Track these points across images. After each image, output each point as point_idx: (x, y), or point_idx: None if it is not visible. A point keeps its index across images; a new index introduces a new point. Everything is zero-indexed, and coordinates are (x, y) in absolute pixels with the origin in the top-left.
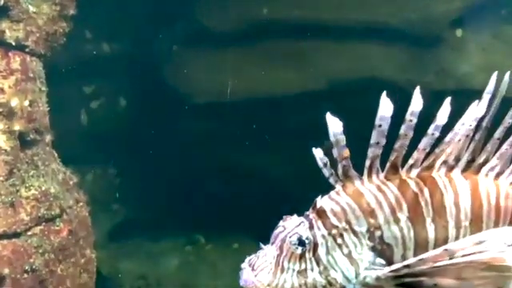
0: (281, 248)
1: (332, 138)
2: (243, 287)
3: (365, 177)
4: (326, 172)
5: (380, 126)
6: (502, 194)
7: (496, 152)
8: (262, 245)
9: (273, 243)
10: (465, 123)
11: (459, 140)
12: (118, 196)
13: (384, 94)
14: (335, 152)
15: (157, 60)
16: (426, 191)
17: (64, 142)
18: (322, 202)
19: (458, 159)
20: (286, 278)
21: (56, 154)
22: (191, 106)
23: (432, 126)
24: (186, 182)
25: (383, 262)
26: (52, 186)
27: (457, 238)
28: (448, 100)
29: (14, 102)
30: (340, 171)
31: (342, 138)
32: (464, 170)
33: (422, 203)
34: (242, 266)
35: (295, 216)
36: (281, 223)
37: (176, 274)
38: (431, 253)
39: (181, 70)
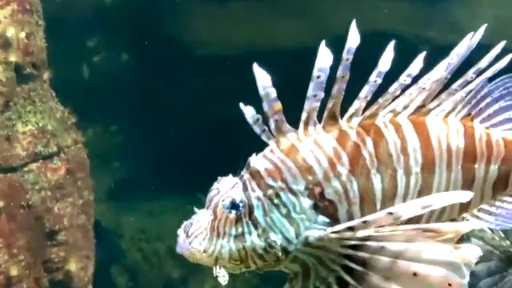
0: (215, 212)
1: (261, 92)
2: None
3: (300, 131)
4: (258, 129)
5: (318, 77)
6: (452, 133)
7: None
8: (196, 209)
9: (208, 207)
10: (411, 73)
11: (410, 94)
12: (118, 153)
13: (323, 43)
14: (265, 106)
15: (159, 12)
16: (369, 140)
17: (64, 97)
18: (255, 161)
19: (405, 106)
20: (223, 243)
21: (54, 93)
22: (194, 58)
23: (374, 73)
24: (189, 139)
25: (326, 219)
26: (49, 123)
27: (407, 185)
28: (392, 45)
29: (10, 33)
30: (272, 126)
31: (272, 91)
32: (412, 115)
33: (365, 154)
34: (178, 232)
35: (230, 176)
36: (215, 185)
37: (176, 229)
38: (375, 215)
39: (183, 22)
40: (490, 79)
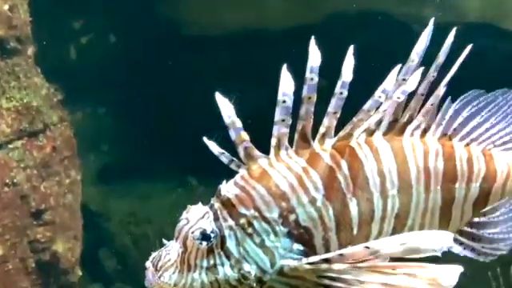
0: (185, 244)
1: (226, 121)
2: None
3: (272, 156)
4: (225, 159)
5: (284, 101)
6: (430, 153)
7: (421, 109)
8: (165, 241)
9: (177, 238)
10: (386, 89)
11: (384, 110)
12: (107, 136)
13: (284, 67)
14: (232, 135)
15: None
16: (344, 163)
17: (51, 80)
18: (226, 189)
19: (379, 123)
20: (194, 276)
21: (39, 70)
22: (183, 39)
23: (338, 84)
24: (180, 121)
25: (301, 247)
26: (34, 99)
27: (384, 208)
28: (351, 50)
29: None
30: (242, 154)
31: (237, 120)
32: (386, 133)
33: (340, 177)
34: (146, 264)
35: (200, 205)
36: (184, 215)
37: (167, 213)
38: (352, 249)
39: (173, 2)
40: (453, 98)
